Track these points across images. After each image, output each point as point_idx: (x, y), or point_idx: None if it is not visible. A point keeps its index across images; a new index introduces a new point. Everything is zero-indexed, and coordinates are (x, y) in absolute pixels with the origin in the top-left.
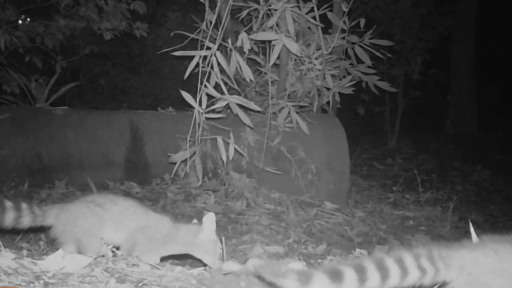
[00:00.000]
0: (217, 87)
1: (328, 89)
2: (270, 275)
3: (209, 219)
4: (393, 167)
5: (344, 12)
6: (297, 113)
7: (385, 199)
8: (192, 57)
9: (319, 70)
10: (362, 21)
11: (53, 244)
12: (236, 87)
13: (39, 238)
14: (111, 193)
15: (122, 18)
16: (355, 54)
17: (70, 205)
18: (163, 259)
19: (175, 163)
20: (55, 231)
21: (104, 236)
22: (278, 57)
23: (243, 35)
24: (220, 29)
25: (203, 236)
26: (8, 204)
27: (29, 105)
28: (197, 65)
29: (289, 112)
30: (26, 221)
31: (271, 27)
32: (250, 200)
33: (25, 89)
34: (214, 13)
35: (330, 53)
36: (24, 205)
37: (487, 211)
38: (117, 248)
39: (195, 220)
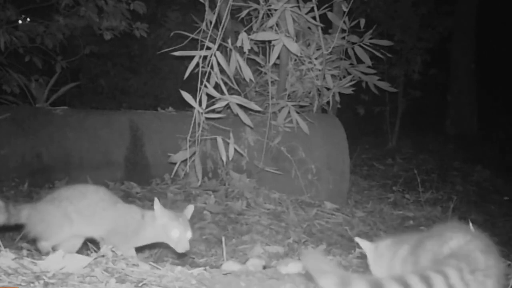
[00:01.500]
0: (217, 87)
1: (328, 89)
2: (314, 270)
3: (156, 205)
4: (393, 167)
5: (344, 12)
6: (297, 113)
7: (385, 199)
8: (192, 57)
9: (319, 70)
10: (362, 21)
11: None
12: (236, 87)
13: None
14: (82, 185)
15: (122, 18)
16: (355, 54)
17: (38, 204)
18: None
19: (175, 163)
20: (28, 230)
21: (75, 229)
22: (278, 57)
23: (243, 35)
24: (220, 29)
25: (156, 223)
26: None
27: (29, 105)
28: (197, 65)
29: (289, 112)
30: (1, 220)
31: (271, 27)
32: (250, 200)
33: (25, 89)
34: (214, 13)
35: (330, 53)
36: (0, 204)
37: (487, 211)
38: (92, 240)
39: (190, 206)
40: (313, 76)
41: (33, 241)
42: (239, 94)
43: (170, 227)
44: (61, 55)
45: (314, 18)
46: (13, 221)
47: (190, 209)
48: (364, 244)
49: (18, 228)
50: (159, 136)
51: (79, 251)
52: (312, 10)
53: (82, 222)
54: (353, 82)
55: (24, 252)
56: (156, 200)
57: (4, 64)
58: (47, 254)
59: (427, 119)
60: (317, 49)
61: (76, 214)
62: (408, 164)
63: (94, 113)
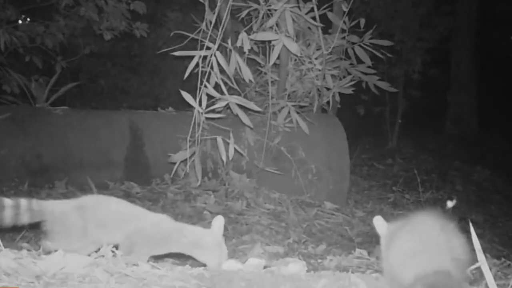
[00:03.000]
0: (217, 87)
1: (328, 89)
2: None
3: (218, 222)
4: (393, 167)
5: (344, 12)
6: (297, 113)
7: (385, 199)
8: (192, 57)
9: (319, 70)
10: (362, 21)
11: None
12: (236, 87)
13: (39, 238)
14: (109, 196)
15: (122, 18)
16: (355, 54)
17: (66, 205)
18: (160, 257)
19: (175, 163)
20: (46, 225)
21: (95, 238)
22: (278, 57)
23: (243, 35)
24: (220, 29)
25: (210, 238)
26: (7, 202)
27: (29, 105)
28: (197, 65)
29: (289, 112)
30: (25, 218)
31: (271, 27)
32: (250, 200)
33: (25, 89)
34: (214, 13)
35: (330, 53)
36: (23, 202)
37: (487, 211)
38: (116, 247)
39: (220, 217)
40: (313, 76)
41: (36, 238)
42: (239, 94)
43: (224, 248)
44: (61, 55)
45: (314, 18)
46: (38, 217)
47: (221, 221)
48: (380, 224)
49: (22, 228)
50: (159, 136)
51: None
52: (312, 10)
53: (104, 233)
54: (353, 82)
55: (24, 252)
56: (221, 218)
57: (4, 64)
58: (48, 253)
59: (427, 119)
60: (317, 49)
61: (96, 227)
62: (408, 164)
63: (94, 113)
